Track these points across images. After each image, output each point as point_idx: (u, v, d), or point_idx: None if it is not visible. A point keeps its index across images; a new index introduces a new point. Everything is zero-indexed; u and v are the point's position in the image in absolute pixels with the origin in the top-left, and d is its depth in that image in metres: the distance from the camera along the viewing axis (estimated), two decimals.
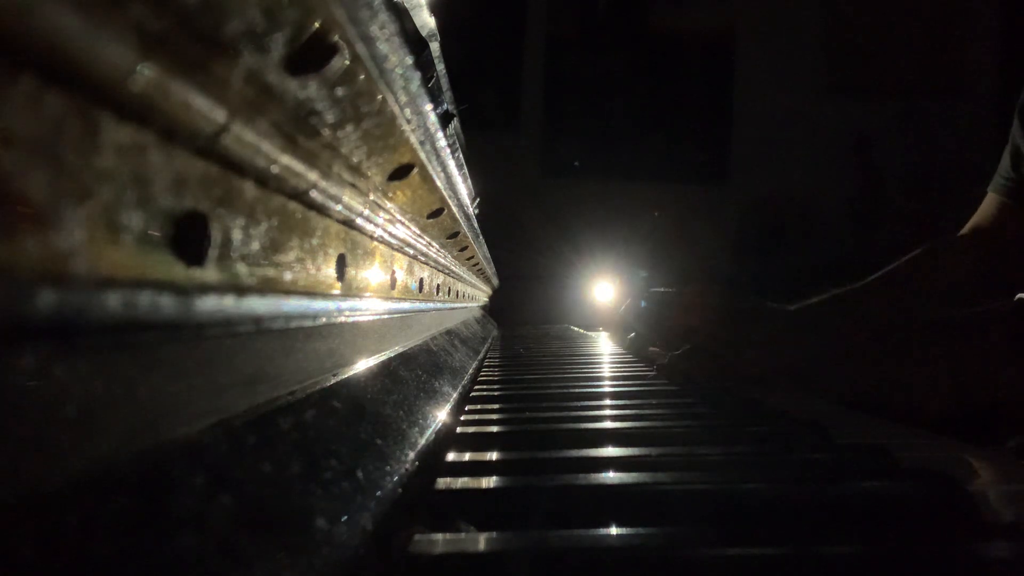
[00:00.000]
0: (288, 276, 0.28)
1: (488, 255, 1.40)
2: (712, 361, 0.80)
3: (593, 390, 0.72)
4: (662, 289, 0.95)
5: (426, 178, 0.45)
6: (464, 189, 0.74)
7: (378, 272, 0.46)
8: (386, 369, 0.45)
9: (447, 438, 0.44)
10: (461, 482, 0.35)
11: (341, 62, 0.25)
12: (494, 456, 0.41)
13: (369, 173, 0.36)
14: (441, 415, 0.45)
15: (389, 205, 0.43)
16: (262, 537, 0.19)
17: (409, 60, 0.33)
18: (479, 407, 0.61)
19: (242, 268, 0.24)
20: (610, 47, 3.84)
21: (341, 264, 0.36)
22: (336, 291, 0.35)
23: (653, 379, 0.82)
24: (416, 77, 0.35)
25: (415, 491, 0.31)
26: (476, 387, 0.73)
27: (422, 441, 0.37)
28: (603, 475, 0.36)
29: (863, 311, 0.84)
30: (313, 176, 0.28)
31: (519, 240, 3.12)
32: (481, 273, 1.41)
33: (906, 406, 0.70)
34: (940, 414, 0.65)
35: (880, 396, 0.73)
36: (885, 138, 3.73)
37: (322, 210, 0.32)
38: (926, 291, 0.88)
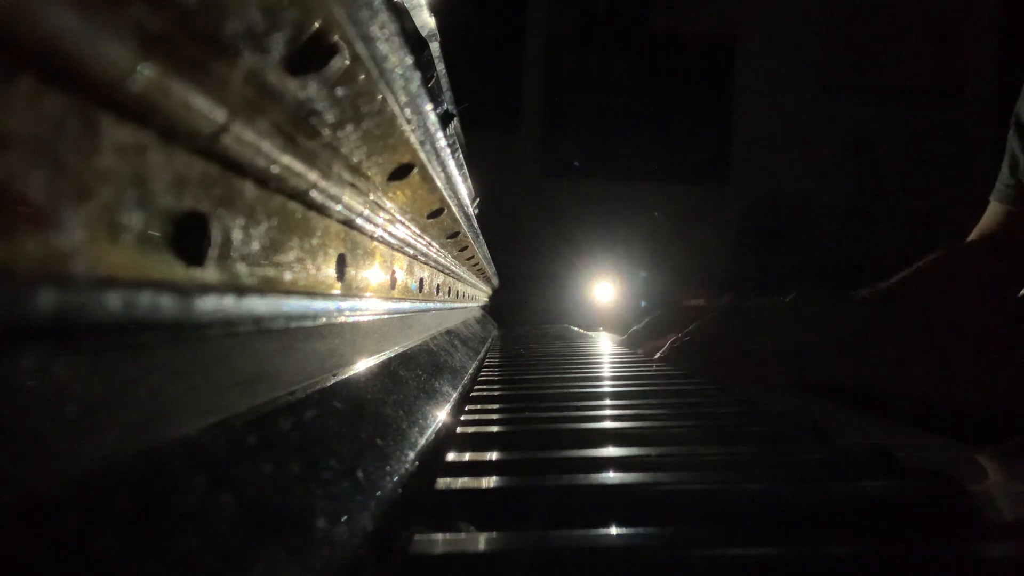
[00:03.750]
0: (288, 276, 0.28)
1: (488, 255, 1.40)
2: (710, 351, 0.82)
3: (593, 390, 0.72)
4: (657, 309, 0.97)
5: (426, 178, 0.45)
6: (464, 189, 0.74)
7: (378, 272, 0.46)
8: (386, 369, 0.45)
9: (447, 438, 0.44)
10: (461, 482, 0.35)
11: (341, 62, 0.25)
12: (494, 456, 0.41)
13: (369, 173, 0.36)
14: (441, 415, 0.45)
15: (389, 205, 0.43)
16: (262, 537, 0.19)
17: (409, 60, 0.33)
18: (479, 407, 0.61)
19: (242, 268, 0.24)
20: (610, 47, 3.84)
21: (341, 264, 0.36)
22: (336, 291, 0.35)
23: (652, 378, 0.82)
24: (416, 77, 0.35)
25: (415, 491, 0.31)
26: (476, 387, 0.73)
27: (422, 441, 0.37)
28: (603, 475, 0.36)
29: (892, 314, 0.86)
30: (313, 176, 0.28)
31: (519, 240, 3.12)
32: (481, 273, 1.41)
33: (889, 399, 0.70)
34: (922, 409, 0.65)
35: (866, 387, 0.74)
36: (885, 138, 3.73)
37: (322, 210, 0.32)
38: (948, 293, 0.90)
